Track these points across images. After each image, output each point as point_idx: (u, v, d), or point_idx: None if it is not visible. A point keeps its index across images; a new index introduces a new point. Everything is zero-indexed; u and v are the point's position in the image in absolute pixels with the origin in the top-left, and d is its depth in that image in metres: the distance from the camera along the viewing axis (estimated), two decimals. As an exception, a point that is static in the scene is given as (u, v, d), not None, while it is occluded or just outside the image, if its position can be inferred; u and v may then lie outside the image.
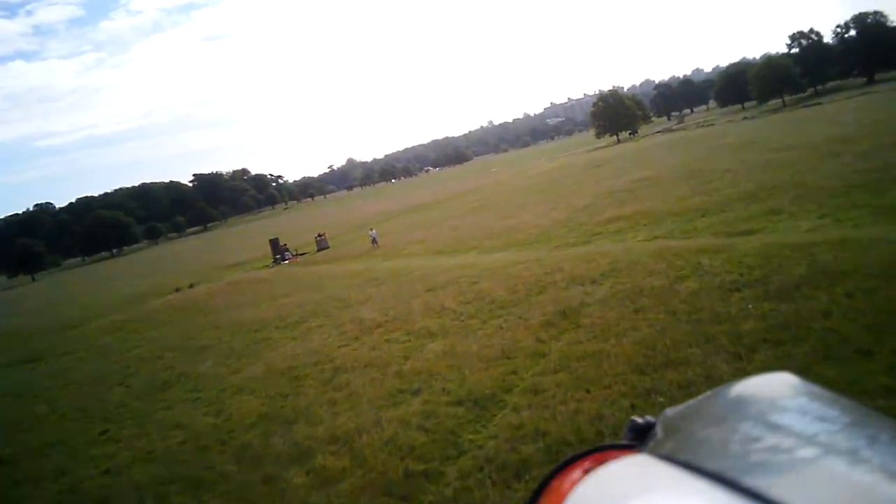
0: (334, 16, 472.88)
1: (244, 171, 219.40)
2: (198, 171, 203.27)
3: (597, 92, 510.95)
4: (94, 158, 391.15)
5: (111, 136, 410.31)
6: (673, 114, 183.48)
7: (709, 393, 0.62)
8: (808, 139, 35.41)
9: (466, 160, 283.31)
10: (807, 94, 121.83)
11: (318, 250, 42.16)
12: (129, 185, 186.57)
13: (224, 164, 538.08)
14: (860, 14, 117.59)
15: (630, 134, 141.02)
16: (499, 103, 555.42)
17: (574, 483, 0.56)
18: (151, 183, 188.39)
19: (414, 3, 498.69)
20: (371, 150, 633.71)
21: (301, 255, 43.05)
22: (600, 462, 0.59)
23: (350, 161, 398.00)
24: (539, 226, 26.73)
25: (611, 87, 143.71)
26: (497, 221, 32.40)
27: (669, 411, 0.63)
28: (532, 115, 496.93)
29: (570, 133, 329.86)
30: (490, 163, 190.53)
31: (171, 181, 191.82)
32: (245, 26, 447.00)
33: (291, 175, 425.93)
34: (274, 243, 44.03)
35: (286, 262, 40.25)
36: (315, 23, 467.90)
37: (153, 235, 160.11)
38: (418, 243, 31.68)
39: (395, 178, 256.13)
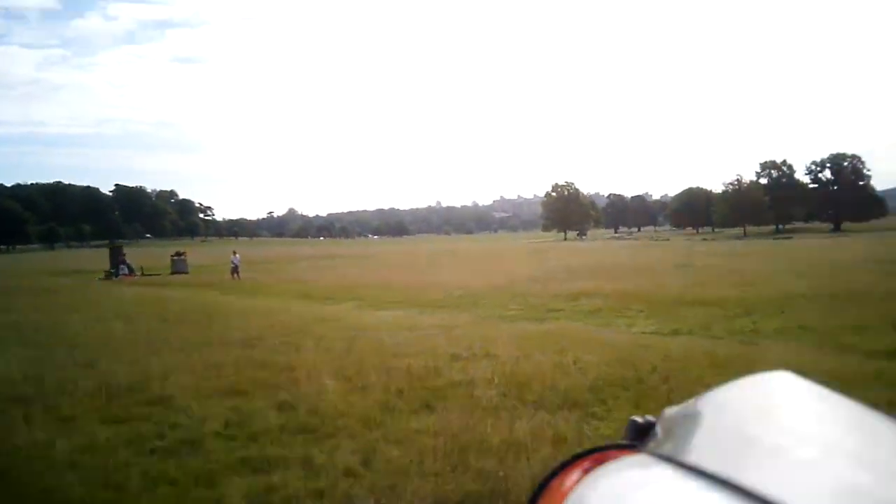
0: (303, 63, 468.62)
1: (171, 193, 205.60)
2: (121, 182, 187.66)
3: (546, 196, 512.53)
4: (37, 156, 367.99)
5: (59, 136, 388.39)
6: (621, 228, 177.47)
7: (708, 392, 0.60)
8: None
9: (408, 234, 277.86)
10: (768, 228, 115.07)
11: (173, 272, 34.93)
12: (44, 182, 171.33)
13: (160, 186, 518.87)
14: (837, 155, 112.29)
15: (578, 234, 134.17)
16: (449, 186, 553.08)
17: (574, 483, 0.55)
18: (68, 184, 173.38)
19: (382, 71, 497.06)
20: (314, 205, 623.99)
21: (150, 275, 35.67)
22: (600, 462, 0.57)
23: (291, 211, 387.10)
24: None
25: (565, 182, 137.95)
26: (401, 279, 29.10)
27: (669, 411, 0.62)
28: (480, 204, 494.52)
29: (514, 229, 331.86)
30: (432, 240, 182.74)
31: (88, 186, 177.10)
32: (215, 55, 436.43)
33: (228, 212, 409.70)
34: (114, 253, 36.83)
35: (118, 277, 33.05)
36: (282, 68, 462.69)
37: (50, 239, 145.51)
38: (297, 283, 28.55)
39: (332, 237, 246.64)
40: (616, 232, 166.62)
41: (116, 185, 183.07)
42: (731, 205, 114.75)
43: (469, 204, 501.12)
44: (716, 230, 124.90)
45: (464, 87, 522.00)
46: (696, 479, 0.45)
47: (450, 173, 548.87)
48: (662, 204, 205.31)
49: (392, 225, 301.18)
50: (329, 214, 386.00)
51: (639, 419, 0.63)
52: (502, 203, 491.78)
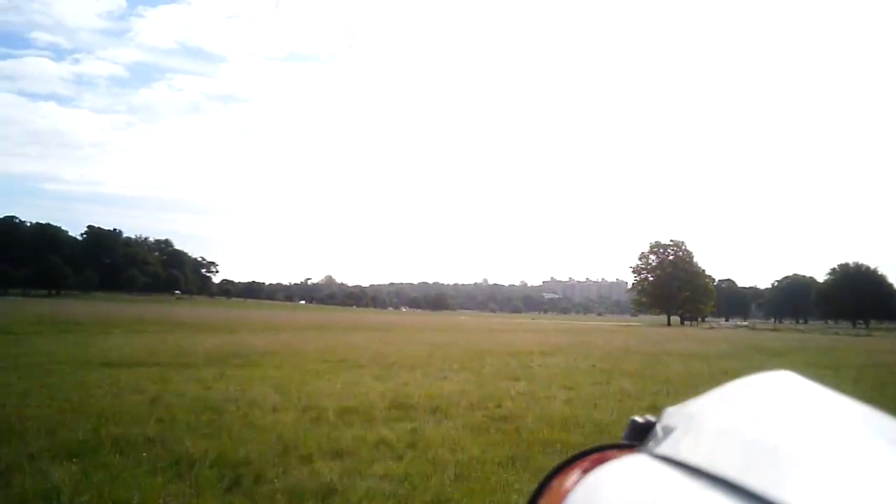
0: (352, 136, 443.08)
1: (165, 243, 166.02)
2: (95, 224, 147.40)
3: (600, 280, 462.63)
4: (91, 216, 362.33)
5: (114, 197, 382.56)
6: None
7: (709, 392, 0.58)
8: None
9: (448, 309, 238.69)
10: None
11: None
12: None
13: (198, 249, 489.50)
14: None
15: (687, 321, 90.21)
16: (497, 264, 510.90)
17: (574, 483, 0.54)
18: (21, 221, 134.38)
19: (431, 152, 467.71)
20: (355, 274, 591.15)
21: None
22: (600, 462, 0.56)
23: (328, 278, 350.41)
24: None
25: (672, 240, 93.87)
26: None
27: (670, 410, 0.60)
28: (529, 284, 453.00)
29: (565, 311, 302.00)
30: (476, 316, 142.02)
31: (46, 223, 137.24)
32: (268, 128, 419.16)
33: (267, 276, 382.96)
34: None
35: None
36: (330, 140, 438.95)
37: None
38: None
39: (361, 306, 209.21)
40: (726, 321, 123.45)
41: (89, 226, 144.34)
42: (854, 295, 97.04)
43: (517, 283, 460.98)
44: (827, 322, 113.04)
45: (516, 164, 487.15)
46: (696, 479, 0.44)
47: (499, 251, 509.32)
48: (756, 292, 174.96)
49: (431, 298, 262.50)
50: (370, 285, 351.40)
51: (639, 419, 0.61)
52: (552, 284, 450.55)
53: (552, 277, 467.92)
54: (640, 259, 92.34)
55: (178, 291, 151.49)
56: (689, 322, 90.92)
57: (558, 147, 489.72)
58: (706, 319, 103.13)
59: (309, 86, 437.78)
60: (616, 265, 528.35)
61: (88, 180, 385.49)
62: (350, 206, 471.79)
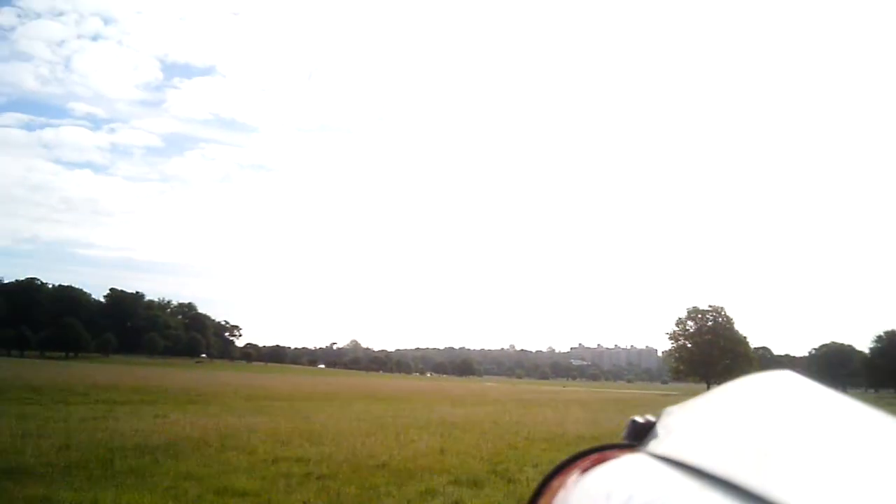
0: (379, 203, 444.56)
1: (188, 306, 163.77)
2: (117, 287, 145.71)
3: (629, 347, 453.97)
4: (119, 280, 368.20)
5: (143, 263, 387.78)
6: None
7: (709, 392, 0.58)
8: None
9: (474, 374, 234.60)
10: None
11: None
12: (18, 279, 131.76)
13: (237, 317, 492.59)
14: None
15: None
16: (524, 330, 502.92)
17: (573, 483, 0.54)
18: (43, 283, 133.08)
19: (461, 215, 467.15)
20: (380, 339, 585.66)
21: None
22: (600, 462, 0.56)
23: (353, 343, 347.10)
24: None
25: (710, 306, 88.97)
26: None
27: (670, 410, 0.59)
28: (556, 350, 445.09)
29: (594, 377, 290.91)
30: (503, 381, 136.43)
31: (68, 286, 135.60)
32: (296, 197, 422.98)
33: (293, 342, 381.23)
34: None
35: None
36: (359, 209, 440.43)
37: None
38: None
39: (387, 371, 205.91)
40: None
41: (111, 289, 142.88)
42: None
43: (544, 349, 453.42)
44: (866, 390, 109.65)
45: (544, 230, 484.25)
46: (696, 479, 0.43)
47: (526, 317, 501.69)
48: (791, 360, 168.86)
49: (457, 363, 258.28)
50: (396, 350, 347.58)
51: (639, 419, 0.60)
52: (580, 350, 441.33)
53: (580, 344, 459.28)
54: (677, 325, 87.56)
55: (203, 355, 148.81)
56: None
57: (586, 215, 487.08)
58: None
59: (338, 155, 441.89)
60: (645, 332, 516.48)
61: (119, 246, 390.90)
62: (376, 271, 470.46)
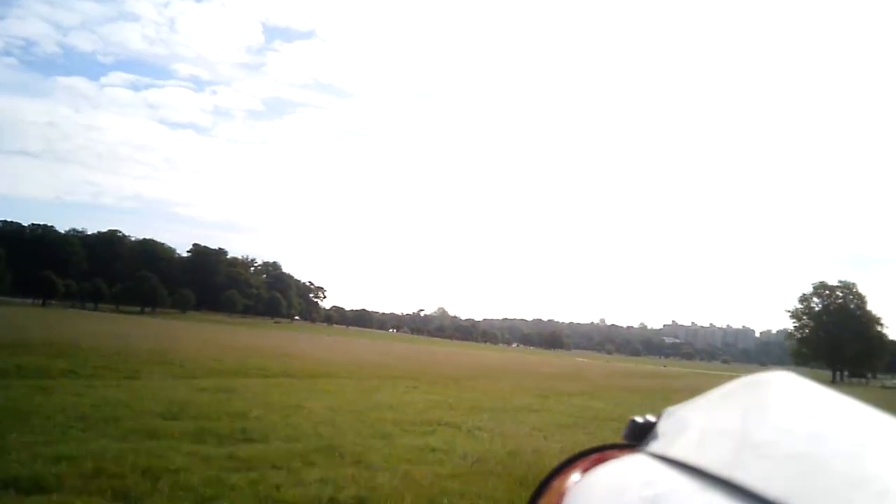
0: (475, 172, 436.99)
1: (273, 265, 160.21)
2: (201, 243, 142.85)
3: (725, 326, 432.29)
4: (213, 240, 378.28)
5: (238, 225, 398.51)
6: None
7: (709, 392, 0.57)
8: None
9: (562, 347, 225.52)
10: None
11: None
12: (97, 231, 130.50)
13: (325, 279, 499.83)
14: None
15: (854, 377, 73.03)
16: (615, 304, 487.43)
17: (573, 483, 0.54)
18: (125, 236, 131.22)
19: (554, 187, 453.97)
20: (467, 308, 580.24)
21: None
22: (600, 462, 0.55)
23: (441, 310, 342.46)
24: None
25: (840, 281, 76.44)
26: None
27: (669, 410, 0.59)
28: (649, 327, 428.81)
29: (689, 356, 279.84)
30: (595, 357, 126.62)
31: (150, 238, 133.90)
32: (392, 163, 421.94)
33: (380, 307, 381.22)
34: None
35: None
36: (456, 179, 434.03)
37: (27, 292, 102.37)
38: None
39: (472, 340, 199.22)
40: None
41: (194, 244, 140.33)
42: None
43: (636, 325, 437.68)
44: None
45: (638, 204, 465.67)
46: (696, 479, 0.43)
47: (617, 292, 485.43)
48: None
49: (545, 336, 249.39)
50: (483, 319, 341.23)
51: (639, 419, 0.59)
52: (674, 328, 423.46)
53: (673, 321, 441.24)
54: (800, 302, 75.77)
55: (282, 317, 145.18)
56: (855, 378, 74.28)
57: (681, 191, 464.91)
58: (877, 376, 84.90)
59: (433, 122, 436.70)
60: (742, 312, 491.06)
61: (218, 207, 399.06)
62: (468, 240, 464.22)
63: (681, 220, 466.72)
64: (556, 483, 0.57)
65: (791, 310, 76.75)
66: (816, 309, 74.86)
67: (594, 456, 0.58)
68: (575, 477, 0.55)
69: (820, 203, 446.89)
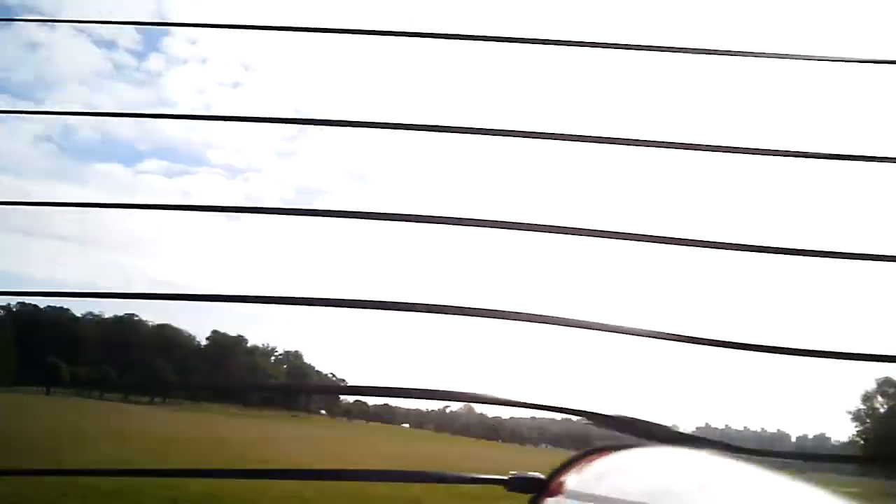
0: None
1: (294, 355, 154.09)
2: (221, 330, 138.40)
3: (760, 430, 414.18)
4: (236, 326, 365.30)
5: (261, 311, 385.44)
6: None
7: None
8: None
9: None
10: None
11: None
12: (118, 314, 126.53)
13: (349, 371, 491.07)
14: None
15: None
16: (645, 399, 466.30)
17: (574, 483, 0.55)
18: (137, 318, 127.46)
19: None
20: (497, 408, 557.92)
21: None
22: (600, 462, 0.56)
23: (467, 408, 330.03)
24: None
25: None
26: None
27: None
28: (680, 429, 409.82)
29: None
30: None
31: (164, 324, 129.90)
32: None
33: (406, 403, 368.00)
34: None
35: None
36: None
37: (30, 378, 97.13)
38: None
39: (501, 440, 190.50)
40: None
41: (213, 331, 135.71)
42: None
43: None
44: None
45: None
46: (696, 478, 0.45)
47: (646, 386, 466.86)
48: None
49: (574, 436, 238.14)
50: (510, 417, 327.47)
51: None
52: (705, 429, 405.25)
53: (706, 423, 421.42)
54: (863, 402, 68.30)
55: (303, 410, 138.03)
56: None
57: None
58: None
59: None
60: (777, 410, 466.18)
61: (241, 292, 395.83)
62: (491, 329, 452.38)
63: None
64: (554, 485, 0.57)
65: (851, 410, 68.91)
66: (882, 410, 67.05)
67: (592, 457, 0.59)
68: (575, 477, 0.56)
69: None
